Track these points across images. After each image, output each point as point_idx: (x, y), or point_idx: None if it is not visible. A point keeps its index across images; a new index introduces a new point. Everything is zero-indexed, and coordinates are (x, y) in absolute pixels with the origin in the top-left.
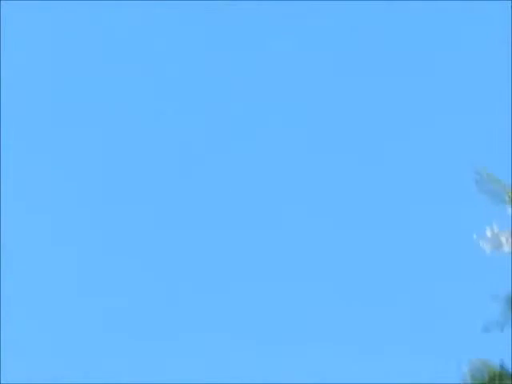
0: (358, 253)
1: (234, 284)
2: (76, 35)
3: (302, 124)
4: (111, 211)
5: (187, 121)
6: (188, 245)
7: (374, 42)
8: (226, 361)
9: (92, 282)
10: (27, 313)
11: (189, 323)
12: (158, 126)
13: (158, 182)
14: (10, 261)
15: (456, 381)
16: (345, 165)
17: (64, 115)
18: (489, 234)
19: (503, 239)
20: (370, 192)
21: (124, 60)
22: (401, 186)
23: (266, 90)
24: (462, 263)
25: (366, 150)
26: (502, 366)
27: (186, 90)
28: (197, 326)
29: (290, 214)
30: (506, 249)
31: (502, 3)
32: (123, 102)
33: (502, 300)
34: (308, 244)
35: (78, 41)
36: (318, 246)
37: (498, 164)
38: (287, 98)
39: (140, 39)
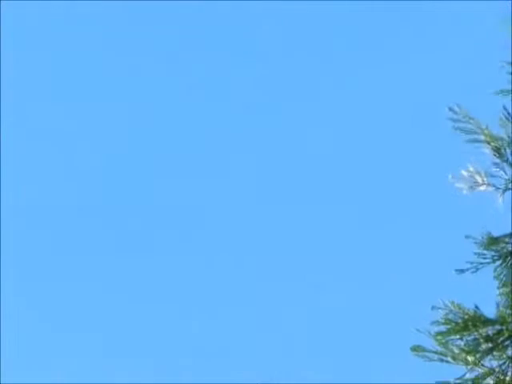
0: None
1: None
2: (77, 35)
3: None
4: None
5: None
6: None
7: None
8: None
9: (91, 282)
10: (27, 312)
11: None
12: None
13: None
14: (10, 263)
15: (430, 323)
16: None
17: (63, 115)
18: (465, 174)
19: (480, 179)
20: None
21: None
22: (375, 124)
23: None
24: (436, 203)
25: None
26: (476, 309)
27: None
28: None
29: None
30: (482, 188)
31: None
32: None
33: (478, 241)
34: None
35: (78, 41)
36: None
37: (474, 103)
38: None
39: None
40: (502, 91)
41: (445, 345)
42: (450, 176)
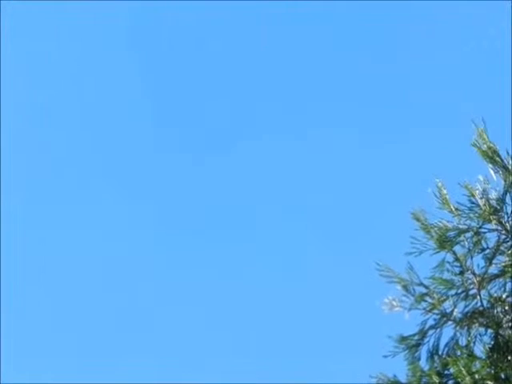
0: None
1: None
2: (76, 35)
3: None
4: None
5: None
6: None
7: None
8: None
9: (94, 285)
10: (27, 312)
11: None
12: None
13: None
14: (12, 260)
15: None
16: None
17: (61, 116)
18: (386, 300)
19: (395, 304)
20: None
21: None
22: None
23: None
24: (372, 318)
25: None
26: (394, 377)
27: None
28: None
29: None
30: (397, 309)
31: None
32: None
33: (394, 339)
34: None
35: (78, 41)
36: None
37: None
38: None
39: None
40: (408, 253)
41: None
42: (377, 302)
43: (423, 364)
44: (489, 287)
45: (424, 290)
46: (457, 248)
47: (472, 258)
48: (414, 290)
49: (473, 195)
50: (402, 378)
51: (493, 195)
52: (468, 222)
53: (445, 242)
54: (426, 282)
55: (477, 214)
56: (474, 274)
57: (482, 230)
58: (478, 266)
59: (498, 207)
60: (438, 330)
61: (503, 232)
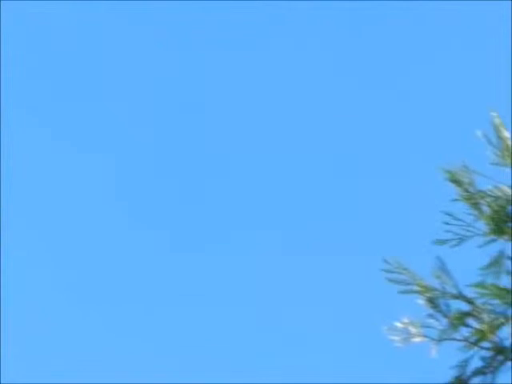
0: None
1: None
2: (77, 35)
3: None
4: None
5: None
6: None
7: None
8: None
9: (94, 284)
10: (27, 312)
11: None
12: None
13: None
14: (10, 263)
15: None
16: None
17: (63, 117)
18: (399, 325)
19: (414, 331)
20: None
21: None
22: None
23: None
24: (372, 356)
25: None
26: None
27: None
28: None
29: None
30: (417, 340)
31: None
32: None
33: None
34: None
35: (78, 41)
36: None
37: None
38: None
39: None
40: (440, 241)
41: None
42: (384, 328)
43: None
44: None
45: (466, 306)
46: None
47: None
48: (447, 305)
49: None
50: None
51: None
52: None
53: (503, 221)
54: (468, 293)
55: None
56: None
57: None
58: None
59: None
60: (490, 374)
61: None
